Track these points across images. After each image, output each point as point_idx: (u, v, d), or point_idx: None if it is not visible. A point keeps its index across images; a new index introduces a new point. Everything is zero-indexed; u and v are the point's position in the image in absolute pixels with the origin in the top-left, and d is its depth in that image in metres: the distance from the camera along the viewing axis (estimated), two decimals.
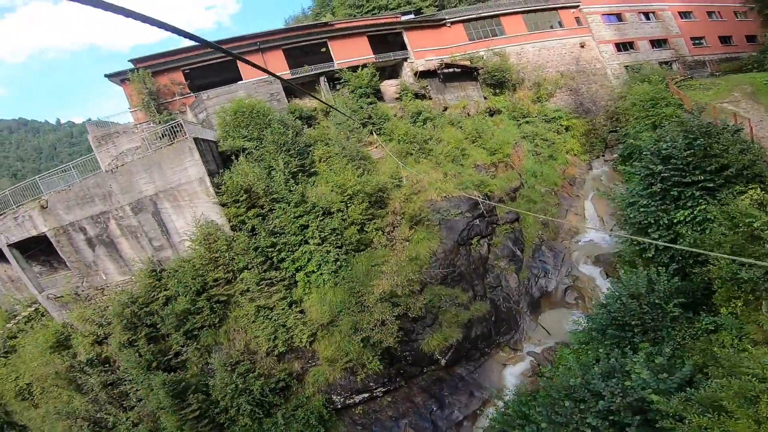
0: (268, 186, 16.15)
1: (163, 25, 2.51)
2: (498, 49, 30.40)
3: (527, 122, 28.33)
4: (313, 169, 18.87)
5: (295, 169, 17.61)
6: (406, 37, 29.06)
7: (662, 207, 11.83)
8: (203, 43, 3.13)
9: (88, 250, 16.02)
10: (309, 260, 15.79)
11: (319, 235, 15.89)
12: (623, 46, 33.90)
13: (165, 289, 15.53)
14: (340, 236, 16.34)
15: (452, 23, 30.61)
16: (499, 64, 29.10)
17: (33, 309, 18.90)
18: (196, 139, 15.47)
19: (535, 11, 32.42)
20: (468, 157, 23.23)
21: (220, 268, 15.22)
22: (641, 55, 33.68)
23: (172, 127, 15.88)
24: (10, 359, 17.68)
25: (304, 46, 27.10)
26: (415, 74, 27.70)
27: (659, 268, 11.19)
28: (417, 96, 26.55)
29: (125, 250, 15.87)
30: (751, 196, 10.58)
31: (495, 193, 22.46)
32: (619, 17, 34.31)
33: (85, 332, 16.52)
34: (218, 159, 17.63)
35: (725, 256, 8.76)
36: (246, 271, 15.25)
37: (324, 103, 12.80)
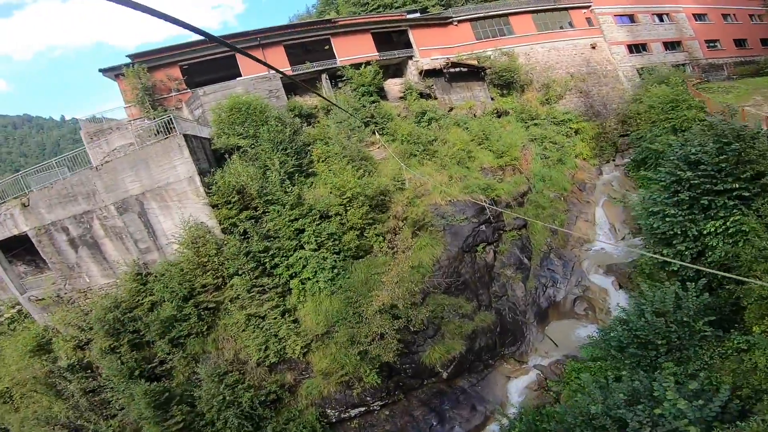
0: (262, 187, 15.18)
1: (163, 15, 2.55)
2: (506, 49, 29.48)
3: (536, 124, 27.36)
4: (311, 170, 17.94)
5: (292, 169, 16.65)
6: (412, 35, 28.20)
7: (690, 217, 10.81)
8: (205, 36, 3.10)
9: (70, 251, 15.13)
10: (304, 267, 14.81)
11: (316, 240, 14.91)
12: (635, 48, 32.91)
13: (150, 294, 14.66)
14: (338, 241, 15.36)
15: (459, 22, 29.75)
16: (508, 64, 28.19)
17: (16, 311, 18.10)
18: (186, 136, 14.55)
19: (545, 11, 31.51)
20: (474, 159, 22.25)
21: (208, 273, 14.29)
22: (654, 58, 32.67)
23: (165, 123, 15.01)
24: None
25: (306, 42, 26.31)
26: (420, 73, 26.80)
27: (687, 283, 10.17)
28: (422, 95, 25.67)
29: (109, 251, 14.97)
30: None
31: (502, 198, 21.49)
32: (631, 18, 33.33)
33: (66, 336, 15.82)
34: (211, 157, 16.71)
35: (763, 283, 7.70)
36: (236, 277, 14.30)
37: (325, 98, 11.93)
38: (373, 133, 21.91)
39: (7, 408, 16.60)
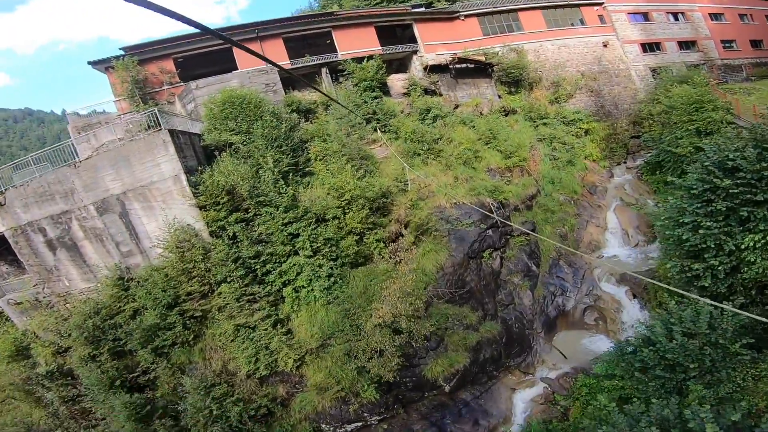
0: (254, 187, 14.05)
1: (158, 8, 2.50)
2: (515, 45, 28.34)
3: (544, 124, 26.25)
4: (307, 169, 16.85)
5: (287, 168, 15.53)
6: (417, 29, 27.09)
7: (725, 229, 9.72)
8: (201, 29, 3.02)
9: (48, 254, 14.11)
10: (298, 274, 13.71)
11: (311, 246, 13.79)
12: (649, 47, 31.73)
13: (133, 300, 13.64)
14: (335, 247, 14.24)
15: (466, 16, 28.66)
16: (516, 60, 27.08)
17: None
18: (172, 131, 13.47)
19: (555, 7, 30.37)
20: (481, 159, 21.14)
21: (194, 279, 13.23)
22: (668, 57, 31.49)
23: (156, 118, 13.95)
24: None
25: (306, 36, 25.29)
26: (425, 69, 25.70)
27: (724, 301, 9.15)
28: (426, 92, 24.59)
29: (89, 254, 13.93)
30: None
31: (510, 201, 20.41)
32: (645, 16, 32.15)
33: (45, 342, 14.95)
34: (201, 155, 15.62)
35: None
36: (225, 284, 13.23)
37: (323, 93, 10.85)
38: (375, 130, 20.82)
39: None
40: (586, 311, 19.23)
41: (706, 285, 10.24)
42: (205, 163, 15.27)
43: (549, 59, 29.23)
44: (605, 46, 30.51)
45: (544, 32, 29.81)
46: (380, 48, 25.43)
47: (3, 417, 15.21)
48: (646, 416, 8.60)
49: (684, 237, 10.28)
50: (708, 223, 9.62)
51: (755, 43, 35.33)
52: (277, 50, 23.38)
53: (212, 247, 13.36)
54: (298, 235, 13.99)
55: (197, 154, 15.21)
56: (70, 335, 14.01)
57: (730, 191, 9.48)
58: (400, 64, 27.55)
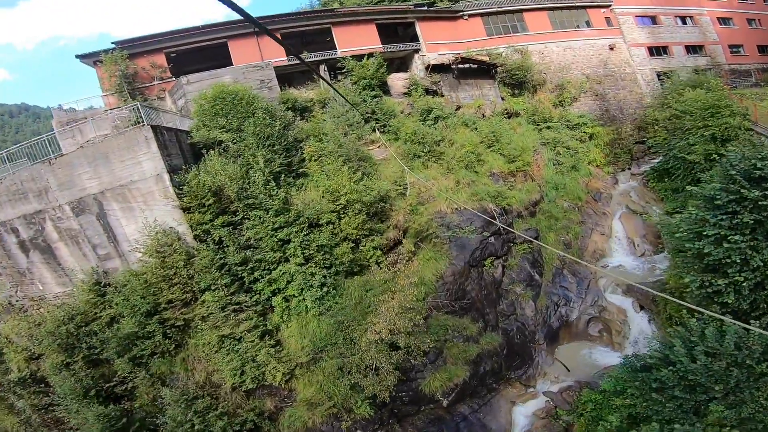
0: (242, 188, 13.14)
1: None
2: (519, 46, 27.59)
3: (548, 127, 25.47)
4: (301, 170, 15.97)
5: (279, 169, 14.62)
6: (419, 27, 26.35)
7: (752, 243, 8.93)
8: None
9: (21, 255, 13.18)
10: (289, 283, 12.79)
11: (303, 253, 12.86)
12: (656, 51, 31.03)
13: (110, 307, 12.72)
14: (328, 255, 13.32)
15: (470, 16, 27.94)
16: (520, 62, 26.31)
17: None
18: (155, 128, 12.56)
19: (561, 8, 29.64)
20: (484, 163, 20.32)
21: (176, 287, 12.31)
22: (675, 61, 30.82)
23: (139, 112, 13.07)
24: None
25: (305, 32, 24.58)
26: (427, 68, 24.91)
27: (745, 317, 8.43)
28: (428, 92, 23.77)
29: (64, 257, 13.00)
30: None
31: (513, 207, 19.60)
32: (653, 20, 31.47)
33: (18, 348, 14.05)
34: (188, 153, 14.70)
35: None
36: (208, 292, 12.32)
37: (325, 80, 10.01)
38: (374, 130, 19.98)
39: None
40: (590, 322, 18.50)
41: (729, 302, 9.46)
42: (192, 162, 14.37)
43: (554, 61, 28.49)
44: (611, 49, 29.80)
45: (549, 34, 29.08)
46: (381, 46, 24.68)
47: None
48: None
49: (706, 250, 9.50)
50: (735, 237, 8.85)
51: (762, 49, 34.74)
52: (274, 46, 22.55)
53: (196, 252, 12.44)
54: (289, 241, 13.07)
55: (184, 153, 14.31)
56: (42, 342, 13.16)
57: (759, 203, 8.70)
58: (401, 63, 26.78)
